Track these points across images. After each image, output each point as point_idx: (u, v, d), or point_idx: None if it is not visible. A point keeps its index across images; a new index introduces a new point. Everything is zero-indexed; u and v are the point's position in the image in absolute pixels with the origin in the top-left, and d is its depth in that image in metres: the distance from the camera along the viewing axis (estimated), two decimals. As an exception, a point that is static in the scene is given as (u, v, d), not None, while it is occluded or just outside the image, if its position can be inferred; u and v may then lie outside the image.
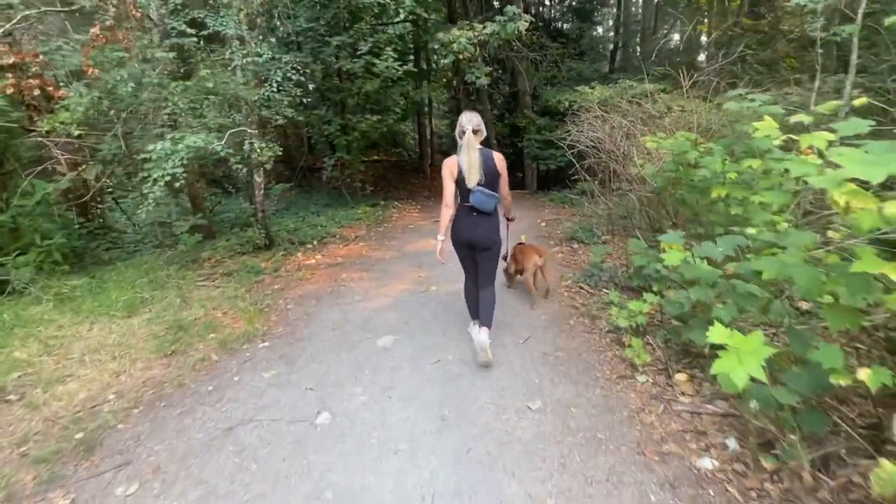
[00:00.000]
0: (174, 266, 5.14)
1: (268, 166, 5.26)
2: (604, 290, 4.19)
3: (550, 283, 4.29)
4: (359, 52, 7.33)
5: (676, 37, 17.76)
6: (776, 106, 2.95)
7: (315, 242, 6.52)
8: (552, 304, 4.00)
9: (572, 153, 6.34)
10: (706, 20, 14.98)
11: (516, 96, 14.02)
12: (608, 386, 2.69)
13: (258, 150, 4.58)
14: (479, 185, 2.70)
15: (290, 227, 7.08)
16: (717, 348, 1.80)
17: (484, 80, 9.09)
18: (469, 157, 2.68)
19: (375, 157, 14.15)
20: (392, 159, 14.67)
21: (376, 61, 7.28)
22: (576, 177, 7.09)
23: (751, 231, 2.33)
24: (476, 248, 2.93)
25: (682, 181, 3.79)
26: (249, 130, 4.57)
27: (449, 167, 2.75)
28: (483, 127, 2.80)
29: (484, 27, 8.43)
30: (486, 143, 2.92)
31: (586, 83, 11.79)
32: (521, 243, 4.22)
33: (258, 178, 5.42)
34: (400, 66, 7.72)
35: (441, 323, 3.68)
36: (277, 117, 5.31)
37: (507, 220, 3.29)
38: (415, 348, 3.27)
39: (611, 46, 17.27)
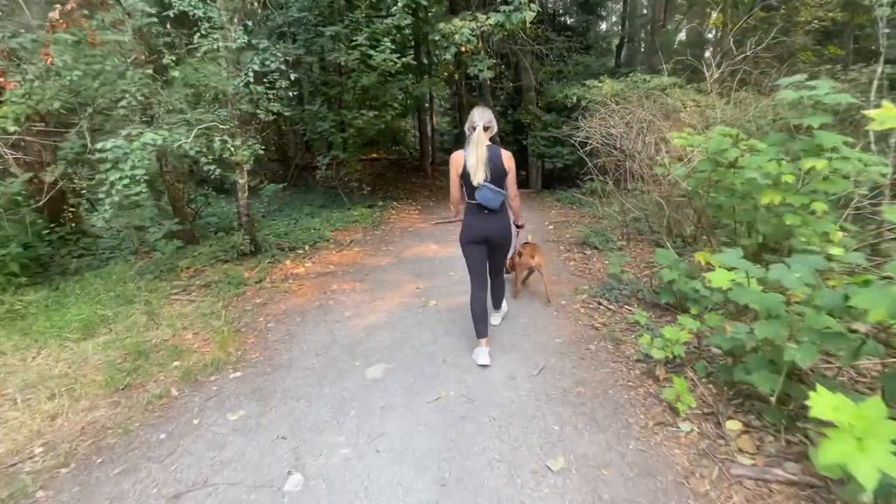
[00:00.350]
0: (147, 276, 4.67)
1: (247, 166, 4.77)
2: (627, 307, 3.70)
3: (553, 293, 3.97)
4: (354, 43, 6.83)
5: (682, 34, 17.25)
6: (844, 94, 2.45)
7: (306, 248, 6.04)
8: (568, 323, 3.52)
9: (585, 151, 5.83)
10: (715, 13, 14.44)
11: (520, 92, 13.51)
12: (645, 437, 2.20)
13: (231, 149, 4.10)
14: (485, 181, 2.64)
15: (281, 231, 6.61)
16: (821, 422, 1.31)
17: (487, 74, 8.59)
18: (476, 153, 2.61)
19: (374, 156, 13.66)
20: (391, 157, 14.17)
21: (372, 53, 6.78)
22: (589, 176, 6.58)
23: (836, 251, 1.84)
24: (490, 244, 2.88)
25: (720, 184, 3.29)
26: (222, 126, 4.08)
27: (455, 162, 2.72)
28: (494, 123, 2.72)
29: (487, 17, 7.93)
30: (491, 140, 2.76)
31: (594, 78, 11.30)
32: (527, 243, 3.95)
33: (241, 180, 4.93)
34: (398, 58, 7.21)
35: (442, 347, 3.19)
36: (259, 112, 4.82)
37: (517, 226, 3.15)
38: (410, 380, 2.79)
39: (616, 41, 16.77)
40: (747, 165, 2.97)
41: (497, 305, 3.36)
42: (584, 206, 8.71)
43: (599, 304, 3.82)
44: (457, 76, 12.85)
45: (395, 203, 9.51)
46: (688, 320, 2.62)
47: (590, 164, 5.78)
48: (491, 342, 3.02)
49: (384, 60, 7.22)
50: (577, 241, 5.90)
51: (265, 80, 5.01)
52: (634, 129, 5.60)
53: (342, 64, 7.51)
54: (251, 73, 4.26)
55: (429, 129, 13.68)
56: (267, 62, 4.48)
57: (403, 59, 7.51)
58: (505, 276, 3.48)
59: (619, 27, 15.85)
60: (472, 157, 2.60)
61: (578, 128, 6.21)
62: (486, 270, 3.00)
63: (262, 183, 8.30)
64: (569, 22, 15.56)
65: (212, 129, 3.97)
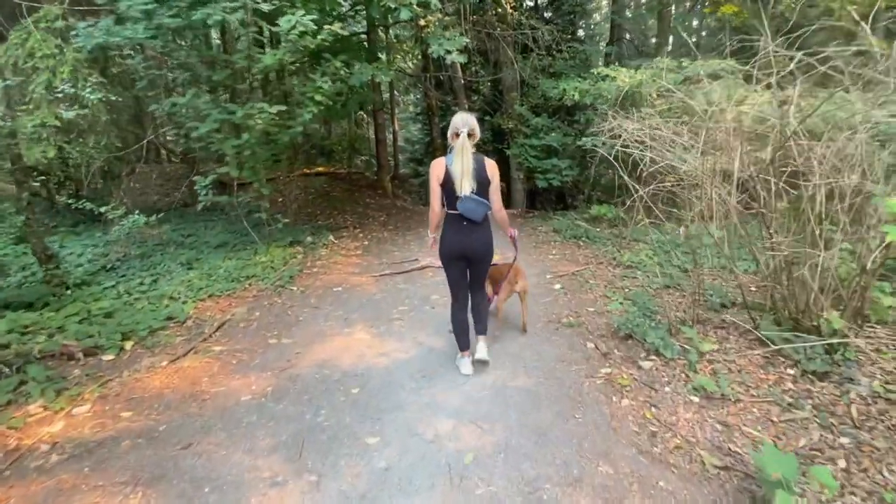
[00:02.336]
0: None
1: None
2: None
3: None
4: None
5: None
6: None
7: (124, 350, 3.29)
8: None
9: (636, 174, 3.26)
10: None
11: (500, 92, 11.08)
12: None
13: None
14: (471, 193, 2.49)
15: (98, 310, 3.80)
16: None
17: (457, 58, 6.04)
18: (462, 162, 2.46)
19: (320, 169, 10.95)
20: (341, 171, 11.46)
21: (263, 6, 4.15)
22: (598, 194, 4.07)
23: None
24: (471, 259, 2.71)
25: None
26: None
27: (436, 171, 2.56)
28: (478, 130, 2.56)
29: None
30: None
31: (592, 71, 8.98)
32: (493, 265, 3.07)
33: None
34: (314, 22, 4.60)
35: None
36: None
37: (511, 238, 2.88)
38: None
39: (605, 35, 14.63)
40: None
41: (482, 331, 2.90)
42: (596, 243, 6.22)
43: None
44: (418, 57, 10.28)
45: (331, 236, 6.81)
46: None
47: (636, 191, 3.18)
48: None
49: (294, 27, 4.61)
50: (613, 331, 3.32)
51: None
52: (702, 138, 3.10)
53: (231, 34, 4.83)
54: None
55: (389, 135, 11.06)
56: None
57: (329, 29, 4.90)
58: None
59: (610, 8, 13.64)
60: (458, 167, 2.46)
61: (612, 133, 3.68)
62: (467, 285, 2.82)
63: (128, 213, 5.46)
64: (552, 15, 13.26)
65: None
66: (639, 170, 3.17)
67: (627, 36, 14.67)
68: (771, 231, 2.84)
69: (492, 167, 2.57)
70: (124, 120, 7.69)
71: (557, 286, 4.52)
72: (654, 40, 14.77)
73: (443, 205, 2.62)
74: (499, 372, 2.90)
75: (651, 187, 3.26)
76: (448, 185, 2.51)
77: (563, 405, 2.51)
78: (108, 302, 3.94)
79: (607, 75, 6.53)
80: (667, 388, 2.59)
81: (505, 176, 10.24)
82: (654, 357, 2.91)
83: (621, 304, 3.77)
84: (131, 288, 4.44)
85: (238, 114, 4.74)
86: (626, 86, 5.96)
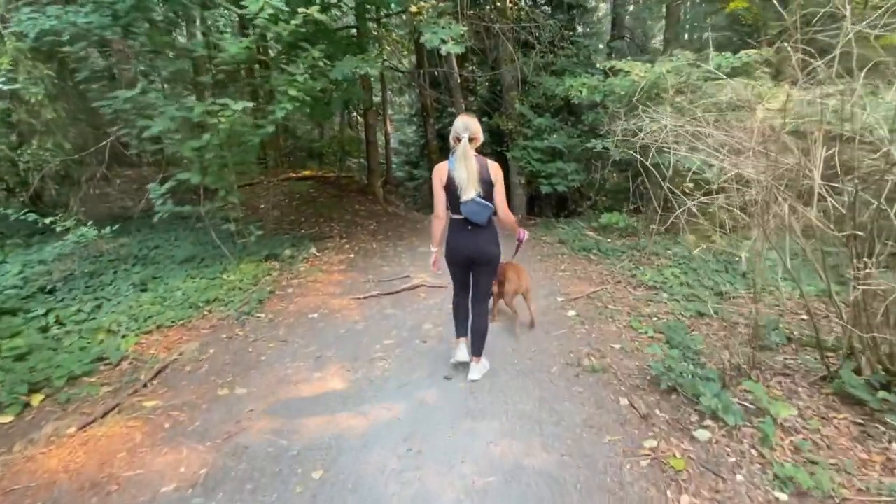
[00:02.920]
0: None
1: None
2: None
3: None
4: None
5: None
6: None
7: (29, 406, 2.60)
8: None
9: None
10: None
11: (500, 92, 10.43)
12: None
13: None
14: (475, 196, 2.48)
15: (14, 350, 3.07)
16: None
17: (453, 48, 5.36)
18: (465, 167, 2.45)
19: (307, 173, 10.25)
20: (329, 174, 10.74)
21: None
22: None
23: None
24: (476, 263, 2.67)
25: None
26: None
27: (439, 174, 2.55)
28: (480, 133, 2.55)
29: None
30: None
31: (594, 68, 8.39)
32: (509, 264, 3.31)
33: None
34: (287, 4, 3.92)
35: None
36: None
37: (518, 241, 2.89)
38: None
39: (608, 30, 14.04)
40: None
41: (477, 352, 2.78)
42: (610, 257, 5.55)
43: None
44: (411, 50, 9.61)
45: (314, 248, 6.11)
46: None
47: (680, 202, 2.51)
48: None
49: (262, 9, 3.93)
50: (650, 381, 2.64)
51: None
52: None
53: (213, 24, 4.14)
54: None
55: (381, 137, 10.38)
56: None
57: (303, 12, 4.22)
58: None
59: (611, 4, 13.07)
60: (461, 172, 2.45)
61: (634, 134, 3.00)
62: (471, 288, 2.77)
63: (77, 225, 4.72)
64: (552, 11, 12.64)
65: None
66: (662, 173, 2.50)
67: (628, 36, 14.12)
68: (864, 259, 2.18)
69: (494, 169, 2.54)
70: (85, 119, 6.96)
71: (571, 312, 3.84)
72: (654, 40, 14.22)
73: (447, 209, 2.59)
74: (509, 442, 2.22)
75: (697, 199, 2.59)
76: (451, 188, 2.50)
77: (600, 502, 1.83)
78: (27, 338, 3.22)
79: (619, 69, 5.87)
80: (738, 477, 1.90)
81: (505, 180, 9.57)
82: (710, 422, 2.23)
83: (652, 337, 3.11)
84: (66, 317, 3.72)
85: (196, 110, 4.04)
86: (642, 80, 5.31)
